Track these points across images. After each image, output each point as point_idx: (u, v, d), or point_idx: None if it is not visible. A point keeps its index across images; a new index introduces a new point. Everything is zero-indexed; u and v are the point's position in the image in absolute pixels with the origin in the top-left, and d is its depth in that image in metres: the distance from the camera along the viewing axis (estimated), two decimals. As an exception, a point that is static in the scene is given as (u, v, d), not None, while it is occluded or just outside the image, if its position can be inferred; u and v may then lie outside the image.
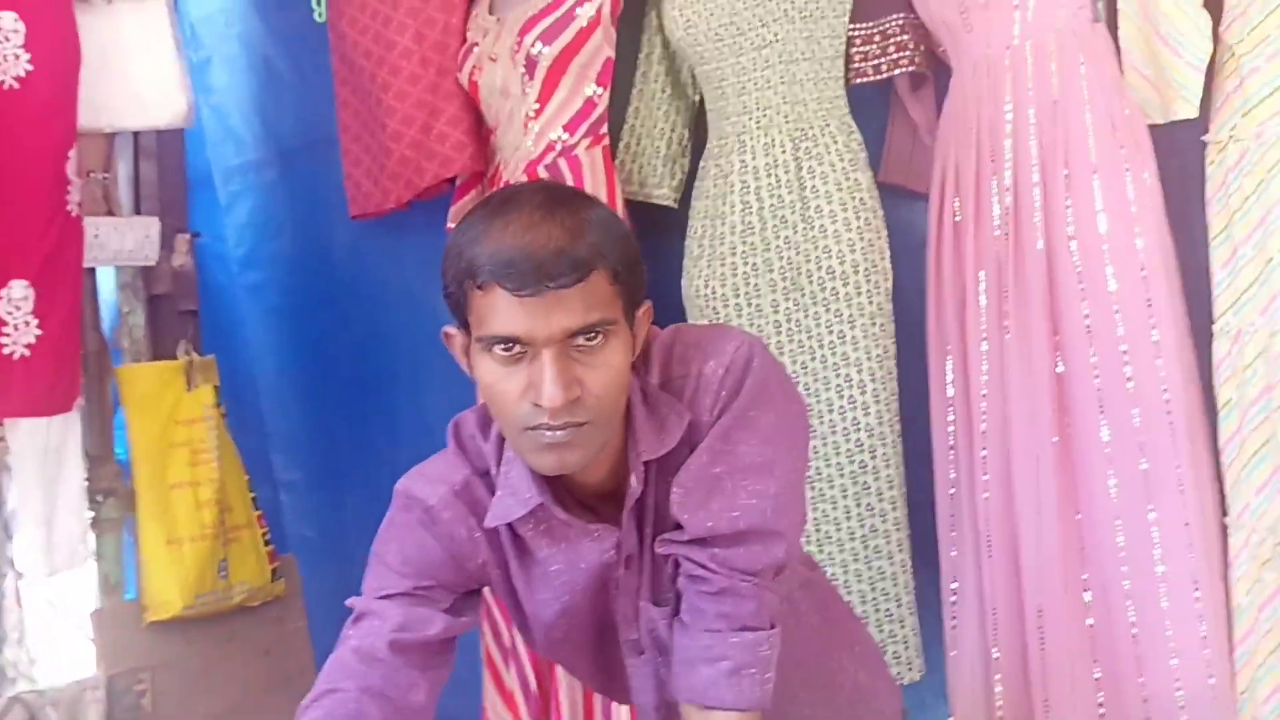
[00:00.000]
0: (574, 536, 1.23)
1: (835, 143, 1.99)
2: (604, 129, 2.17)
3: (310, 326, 2.71)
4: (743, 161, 2.01)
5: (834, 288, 1.94)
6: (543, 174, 2.15)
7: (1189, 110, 1.73)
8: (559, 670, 2.06)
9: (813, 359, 1.96)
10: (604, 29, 2.13)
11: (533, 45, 2.12)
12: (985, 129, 1.85)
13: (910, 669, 1.94)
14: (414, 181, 2.33)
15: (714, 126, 2.08)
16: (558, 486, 1.23)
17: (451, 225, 2.34)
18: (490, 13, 2.27)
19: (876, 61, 2.01)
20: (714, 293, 2.06)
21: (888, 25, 2.00)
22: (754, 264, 2.00)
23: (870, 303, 1.94)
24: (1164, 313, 1.72)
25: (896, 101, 2.09)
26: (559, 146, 2.15)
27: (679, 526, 1.20)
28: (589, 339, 1.11)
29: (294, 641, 2.45)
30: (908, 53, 1.98)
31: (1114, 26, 1.80)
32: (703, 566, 1.18)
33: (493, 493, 1.24)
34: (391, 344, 2.55)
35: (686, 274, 2.11)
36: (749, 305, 2.02)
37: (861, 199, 1.97)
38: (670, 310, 2.13)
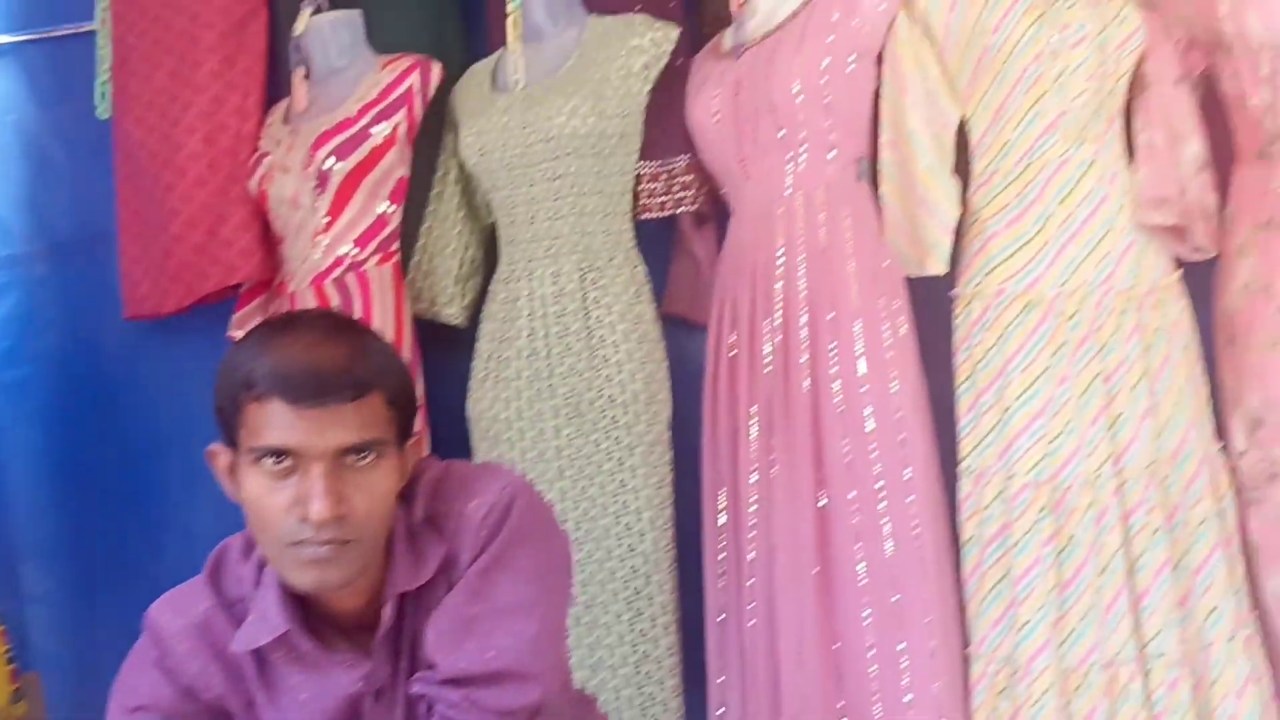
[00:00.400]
0: (323, 665, 1.22)
1: (621, 274, 2.05)
2: (395, 245, 2.18)
3: (75, 429, 2.57)
4: (530, 288, 2.05)
5: (614, 415, 1.99)
6: (330, 288, 2.13)
7: (939, 266, 1.88)
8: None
9: (591, 484, 1.99)
10: (399, 148, 2.15)
11: (325, 159, 2.12)
12: (760, 270, 1.95)
13: (677, 796, 1.96)
14: (196, 286, 2.27)
15: (504, 251, 2.12)
16: (312, 614, 1.22)
17: (233, 333, 2.29)
18: (285, 123, 2.26)
19: (662, 199, 2.10)
20: (497, 415, 2.07)
21: (674, 165, 2.10)
22: (538, 389, 2.03)
23: (649, 431, 2.00)
24: (917, 452, 1.84)
25: (680, 237, 2.18)
26: (348, 261, 2.14)
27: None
28: (361, 458, 1.13)
29: (31, 771, 2.27)
30: (691, 192, 2.08)
31: (877, 185, 1.95)
32: (455, 707, 1.18)
33: (239, 622, 1.22)
34: (162, 452, 2.45)
35: (471, 395, 2.12)
36: (532, 429, 2.04)
37: (644, 330, 2.04)
38: (455, 430, 2.13)
